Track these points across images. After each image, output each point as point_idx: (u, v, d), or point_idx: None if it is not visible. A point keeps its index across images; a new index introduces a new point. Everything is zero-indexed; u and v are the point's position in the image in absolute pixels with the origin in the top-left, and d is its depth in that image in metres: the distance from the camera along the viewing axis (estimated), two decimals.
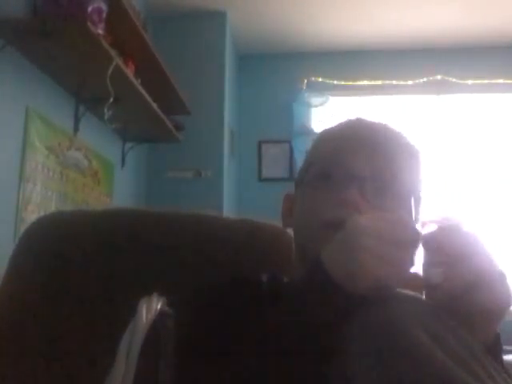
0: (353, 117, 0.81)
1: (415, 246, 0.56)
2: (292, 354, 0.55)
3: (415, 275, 0.57)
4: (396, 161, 0.74)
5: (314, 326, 0.55)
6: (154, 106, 2.75)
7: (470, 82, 3.98)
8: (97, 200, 2.78)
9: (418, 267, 0.57)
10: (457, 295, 0.53)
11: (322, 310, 0.55)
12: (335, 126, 0.81)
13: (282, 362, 0.55)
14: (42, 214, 2.09)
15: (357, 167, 0.72)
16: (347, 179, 0.71)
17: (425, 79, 4.02)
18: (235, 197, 3.95)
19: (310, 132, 4.02)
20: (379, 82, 4.07)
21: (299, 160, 3.98)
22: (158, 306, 0.48)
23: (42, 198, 2.26)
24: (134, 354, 0.44)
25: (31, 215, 2.12)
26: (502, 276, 0.55)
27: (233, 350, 0.59)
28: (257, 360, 0.56)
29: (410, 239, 0.56)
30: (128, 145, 3.19)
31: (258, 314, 0.60)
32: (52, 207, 2.33)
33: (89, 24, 1.96)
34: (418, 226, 0.59)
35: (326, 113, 4.04)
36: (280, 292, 0.64)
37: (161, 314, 0.48)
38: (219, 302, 0.71)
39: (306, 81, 4.12)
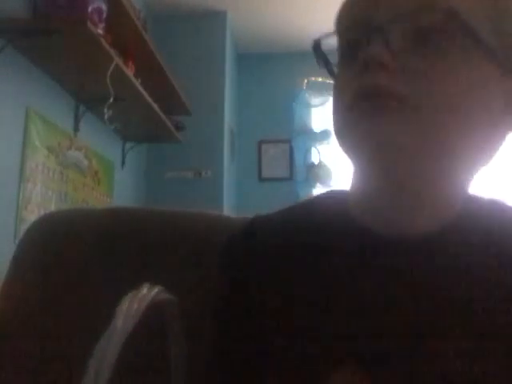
0: None
1: None
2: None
3: None
4: None
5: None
6: (155, 106, 2.75)
7: None
8: (97, 200, 2.78)
9: None
10: None
11: None
12: None
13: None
14: (42, 213, 2.09)
15: (375, 14, 0.48)
16: (367, 37, 0.47)
17: None
18: (235, 197, 3.95)
19: (310, 132, 4.02)
20: None
21: (299, 160, 3.99)
22: (151, 296, 0.43)
23: (42, 198, 2.26)
24: (104, 374, 0.36)
25: (31, 215, 2.12)
26: None
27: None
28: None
29: None
30: (128, 145, 3.19)
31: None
32: (52, 207, 2.33)
33: (89, 24, 1.96)
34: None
35: (326, 113, 4.04)
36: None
37: (161, 301, 0.46)
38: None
39: (306, 81, 4.12)
